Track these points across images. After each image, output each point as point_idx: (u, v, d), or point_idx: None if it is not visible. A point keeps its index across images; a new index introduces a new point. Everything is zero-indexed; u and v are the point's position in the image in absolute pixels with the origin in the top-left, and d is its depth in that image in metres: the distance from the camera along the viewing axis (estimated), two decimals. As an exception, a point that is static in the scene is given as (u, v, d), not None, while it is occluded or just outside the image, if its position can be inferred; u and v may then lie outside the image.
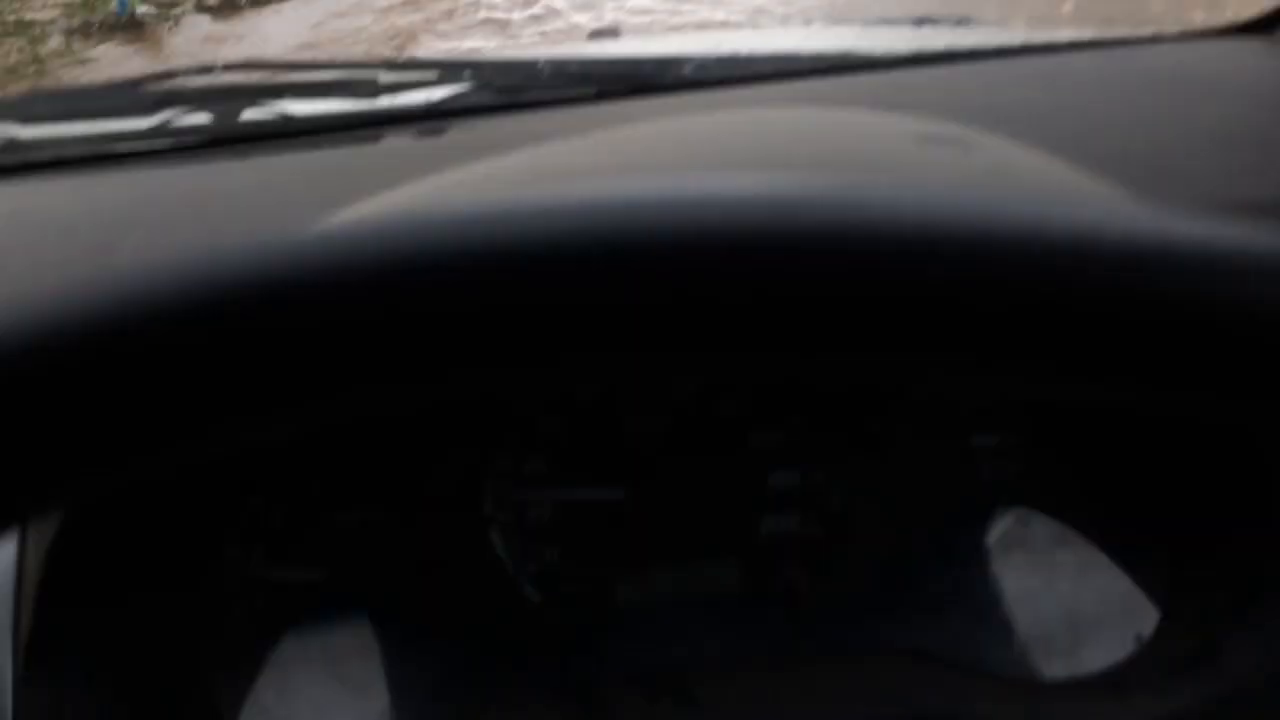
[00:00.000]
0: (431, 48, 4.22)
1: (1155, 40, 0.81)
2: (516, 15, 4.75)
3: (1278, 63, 0.76)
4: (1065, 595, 0.56)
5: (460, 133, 0.77)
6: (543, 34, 4.60)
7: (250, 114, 0.81)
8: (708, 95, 0.77)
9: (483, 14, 4.82)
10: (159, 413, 0.28)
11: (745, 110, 0.70)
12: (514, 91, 0.81)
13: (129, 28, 5.11)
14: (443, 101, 0.80)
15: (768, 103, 0.76)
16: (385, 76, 0.83)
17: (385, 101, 0.81)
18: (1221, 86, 0.74)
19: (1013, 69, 0.79)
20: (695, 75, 0.79)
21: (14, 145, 0.81)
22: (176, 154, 0.78)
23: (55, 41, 5.22)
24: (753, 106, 0.74)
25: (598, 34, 1.48)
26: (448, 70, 0.84)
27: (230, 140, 0.79)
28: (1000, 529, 0.58)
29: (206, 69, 0.87)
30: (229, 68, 0.90)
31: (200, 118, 0.81)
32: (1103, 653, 0.53)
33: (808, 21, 4.23)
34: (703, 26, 4.48)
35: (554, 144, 0.64)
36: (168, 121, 0.80)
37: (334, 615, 0.58)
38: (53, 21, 5.54)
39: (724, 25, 4.48)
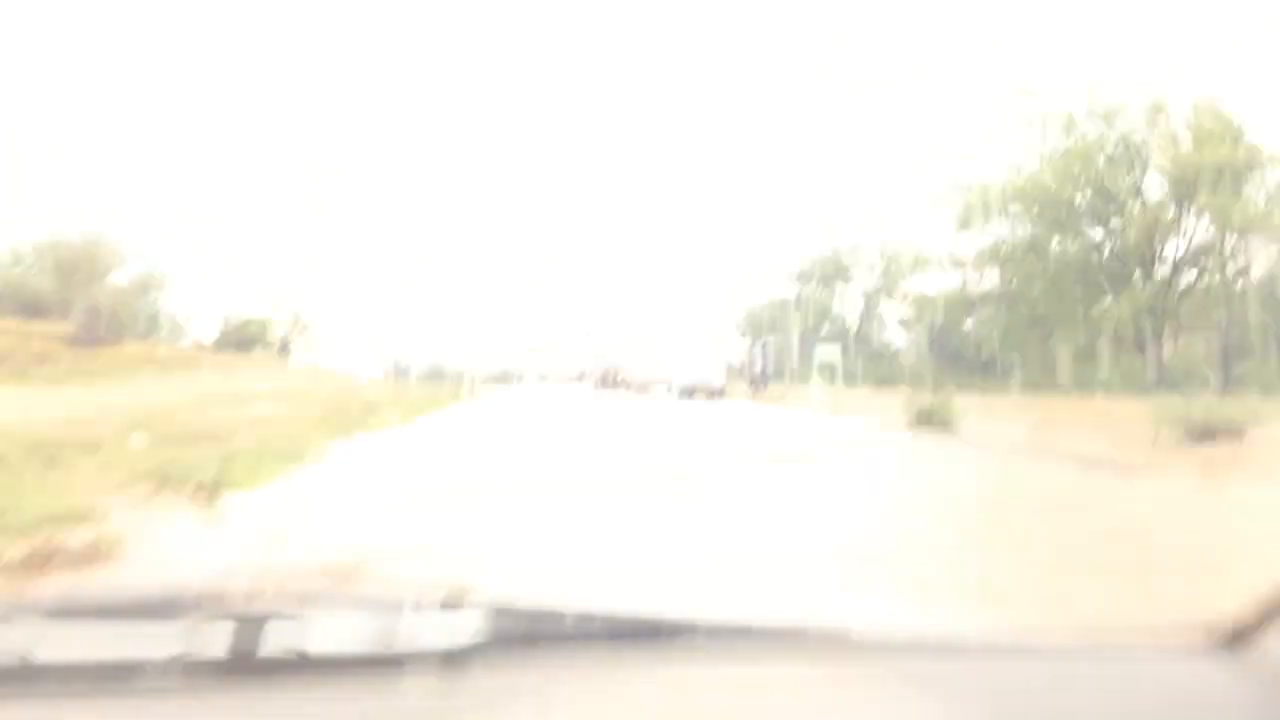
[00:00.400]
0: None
1: (1129, 651, 0.85)
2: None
3: (1243, 685, 0.81)
4: None
5: (481, 676, 0.80)
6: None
7: (269, 645, 0.80)
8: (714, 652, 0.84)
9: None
10: None
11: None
12: (531, 637, 0.83)
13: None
14: (461, 644, 0.82)
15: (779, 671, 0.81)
16: (408, 616, 0.85)
17: (405, 641, 0.82)
18: (1190, 702, 0.77)
19: (995, 668, 0.83)
20: (708, 636, 0.85)
21: (27, 668, 0.78)
22: (193, 686, 0.78)
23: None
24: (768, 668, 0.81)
25: None
26: (467, 610, 0.85)
27: (247, 672, 0.79)
28: None
29: (219, 594, 0.86)
30: (249, 595, 0.89)
31: (217, 647, 0.80)
32: None
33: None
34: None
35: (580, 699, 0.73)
36: (185, 651, 0.79)
37: None
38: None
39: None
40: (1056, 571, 4.29)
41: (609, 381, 45.18)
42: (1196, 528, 5.62)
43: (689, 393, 29.24)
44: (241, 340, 40.42)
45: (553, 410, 20.91)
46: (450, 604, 1.29)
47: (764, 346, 34.36)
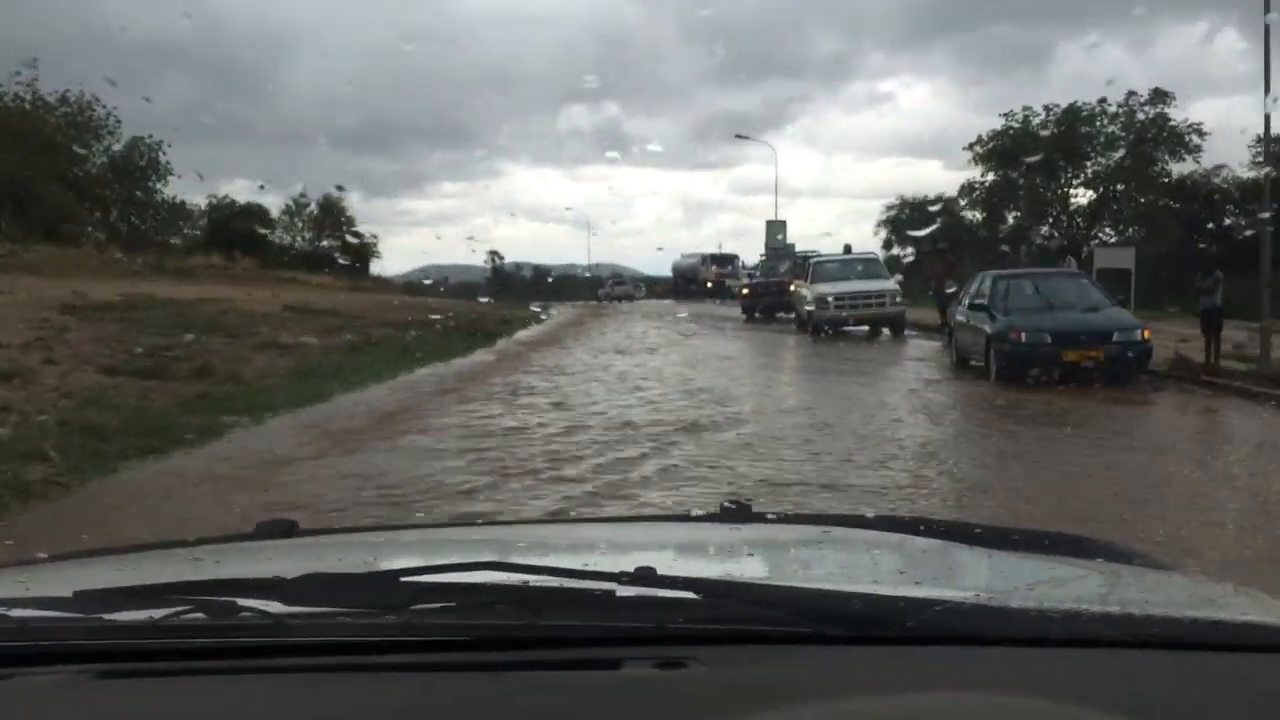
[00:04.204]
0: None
1: None
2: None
3: None
4: None
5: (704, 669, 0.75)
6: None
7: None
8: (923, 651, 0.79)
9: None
10: None
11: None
12: (743, 621, 0.79)
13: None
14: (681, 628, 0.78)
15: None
16: (623, 592, 0.81)
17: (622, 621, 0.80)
18: None
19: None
20: (915, 628, 0.79)
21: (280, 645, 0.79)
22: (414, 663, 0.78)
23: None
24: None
25: None
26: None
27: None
28: None
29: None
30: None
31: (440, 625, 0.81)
32: None
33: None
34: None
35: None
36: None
37: None
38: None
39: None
40: None
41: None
42: None
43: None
44: (231, 235, 32.72)
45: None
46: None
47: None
